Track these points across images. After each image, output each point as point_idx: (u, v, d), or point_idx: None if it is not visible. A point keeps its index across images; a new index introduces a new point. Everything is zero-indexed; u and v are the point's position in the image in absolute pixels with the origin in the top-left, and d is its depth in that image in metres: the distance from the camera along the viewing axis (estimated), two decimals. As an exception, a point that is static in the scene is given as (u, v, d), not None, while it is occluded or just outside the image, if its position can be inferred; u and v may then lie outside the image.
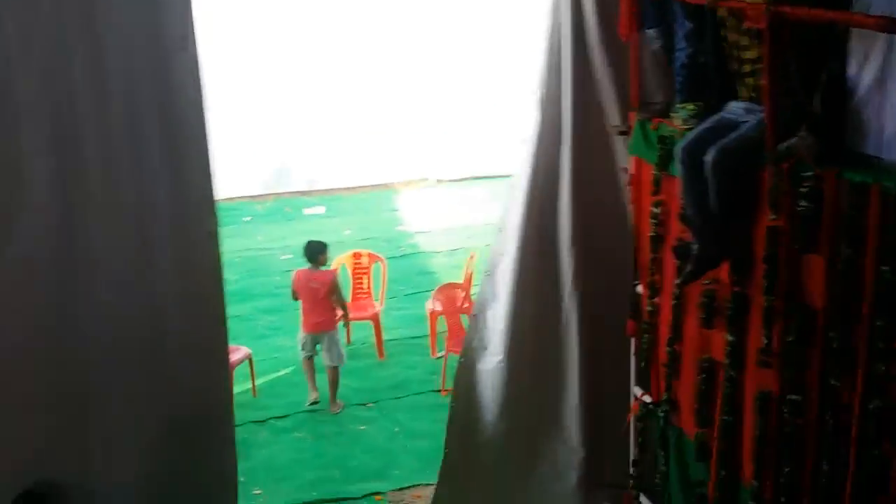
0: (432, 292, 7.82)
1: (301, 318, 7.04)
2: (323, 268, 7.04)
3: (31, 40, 3.49)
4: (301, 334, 7.01)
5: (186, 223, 3.98)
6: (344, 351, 7.10)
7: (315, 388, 7.01)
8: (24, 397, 3.65)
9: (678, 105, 3.99)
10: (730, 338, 3.57)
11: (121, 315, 3.85)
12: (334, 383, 6.95)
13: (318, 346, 6.97)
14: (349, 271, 8.11)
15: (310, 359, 7.03)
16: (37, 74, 3.53)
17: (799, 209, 3.07)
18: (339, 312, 7.07)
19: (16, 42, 3.44)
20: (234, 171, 13.37)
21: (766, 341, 3.31)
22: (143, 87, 3.78)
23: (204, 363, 4.16)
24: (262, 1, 13.59)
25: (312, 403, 6.94)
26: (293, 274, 7.15)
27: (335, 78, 14.04)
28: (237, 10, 13.30)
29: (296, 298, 7.05)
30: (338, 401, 6.98)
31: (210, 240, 4.04)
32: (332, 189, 14.14)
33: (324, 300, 6.90)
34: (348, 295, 7.91)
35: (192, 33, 3.81)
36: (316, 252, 6.96)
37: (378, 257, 8.24)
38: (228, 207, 11.27)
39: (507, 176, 14.57)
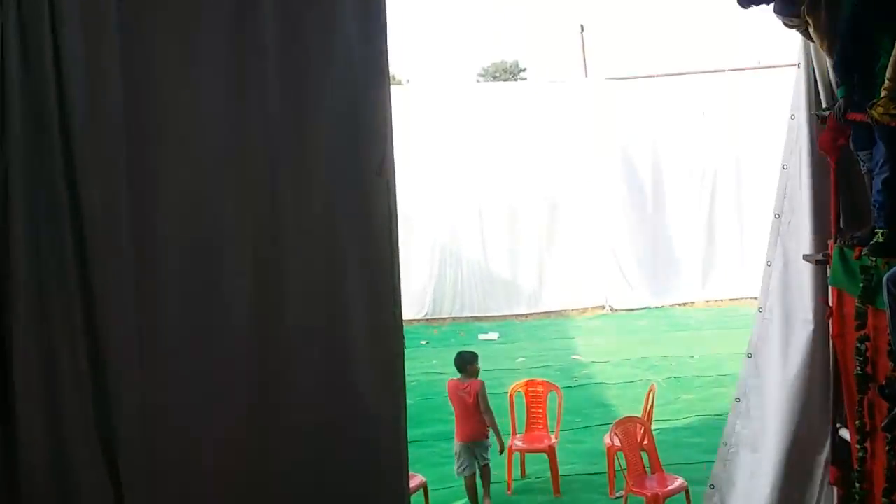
0: (610, 426, 7.52)
1: (455, 429, 7.08)
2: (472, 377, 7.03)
3: (241, 159, 3.78)
4: (455, 444, 7.03)
5: (374, 345, 4.08)
6: (490, 453, 7.03)
7: None
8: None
9: (876, 231, 3.79)
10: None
11: (310, 436, 3.96)
12: (486, 478, 6.95)
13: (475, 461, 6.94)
14: (524, 399, 8.00)
15: (472, 477, 6.96)
16: (243, 196, 3.80)
17: None
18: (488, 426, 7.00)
19: (224, 158, 3.74)
20: (410, 293, 13.87)
21: None
22: (339, 211, 3.97)
23: (383, 491, 4.16)
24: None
25: None
26: (447, 383, 7.21)
27: (513, 200, 14.41)
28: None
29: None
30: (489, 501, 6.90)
31: (395, 361, 4.12)
32: (505, 315, 14.26)
33: (473, 410, 6.89)
34: (522, 425, 7.79)
35: (391, 159, 3.99)
36: (465, 362, 7.05)
37: (553, 386, 8.07)
38: (406, 330, 11.52)
39: (683, 305, 14.42)
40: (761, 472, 4.84)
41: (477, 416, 6.88)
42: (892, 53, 3.56)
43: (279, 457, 3.91)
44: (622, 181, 14.36)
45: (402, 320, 4.17)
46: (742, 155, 14.06)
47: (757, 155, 13.95)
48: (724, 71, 14.16)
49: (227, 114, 3.77)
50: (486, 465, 6.94)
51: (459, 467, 6.96)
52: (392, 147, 4.01)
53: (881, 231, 3.78)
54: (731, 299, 14.25)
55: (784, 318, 4.79)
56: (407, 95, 14.30)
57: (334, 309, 4.02)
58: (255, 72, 3.80)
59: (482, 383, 7.02)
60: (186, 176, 3.72)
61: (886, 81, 3.56)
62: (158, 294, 3.69)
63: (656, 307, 14.27)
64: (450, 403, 7.12)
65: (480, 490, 6.95)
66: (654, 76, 14.59)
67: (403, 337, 4.22)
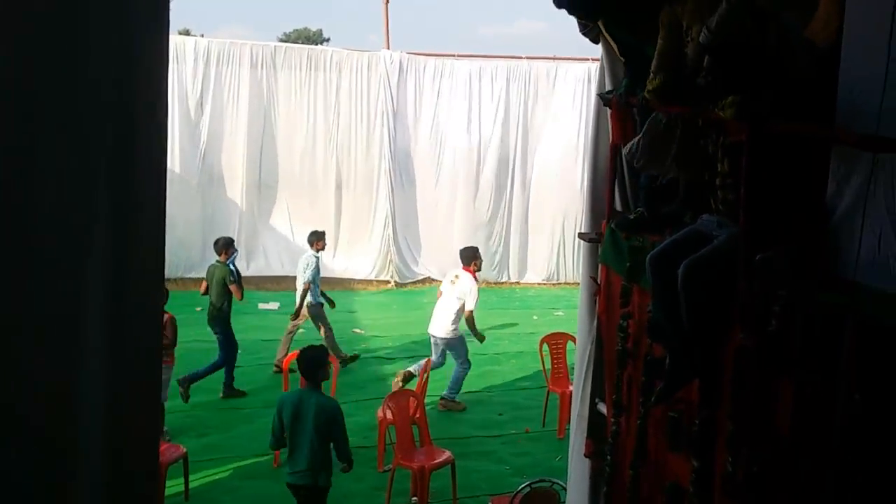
0: (384, 399, 7.49)
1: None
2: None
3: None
4: None
5: (130, 300, 3.73)
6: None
7: None
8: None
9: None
10: (695, 463, 3.38)
11: (52, 397, 3.55)
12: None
13: None
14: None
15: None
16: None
17: (770, 330, 2.95)
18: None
19: None
20: (186, 256, 13.21)
21: (730, 469, 3.14)
22: (104, 153, 3.60)
23: (131, 462, 3.83)
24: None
25: None
26: None
27: (297, 166, 14.13)
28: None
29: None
30: None
31: (153, 317, 3.79)
32: (289, 285, 13.89)
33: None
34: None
35: (164, 104, 3.68)
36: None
37: (330, 357, 7.94)
38: (179, 295, 10.94)
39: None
40: None
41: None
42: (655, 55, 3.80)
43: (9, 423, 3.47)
44: (409, 158, 14.45)
45: (162, 274, 3.85)
46: (531, 142, 14.54)
47: (546, 144, 14.52)
48: (520, 58, 14.57)
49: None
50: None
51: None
52: (166, 92, 3.70)
53: (637, 210, 3.99)
54: (513, 282, 14.75)
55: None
56: (199, 48, 13.51)
57: (88, 256, 3.63)
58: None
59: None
60: None
61: (651, 74, 3.81)
62: None
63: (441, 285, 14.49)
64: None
65: None
66: (454, 55, 14.73)
67: (165, 294, 3.91)
